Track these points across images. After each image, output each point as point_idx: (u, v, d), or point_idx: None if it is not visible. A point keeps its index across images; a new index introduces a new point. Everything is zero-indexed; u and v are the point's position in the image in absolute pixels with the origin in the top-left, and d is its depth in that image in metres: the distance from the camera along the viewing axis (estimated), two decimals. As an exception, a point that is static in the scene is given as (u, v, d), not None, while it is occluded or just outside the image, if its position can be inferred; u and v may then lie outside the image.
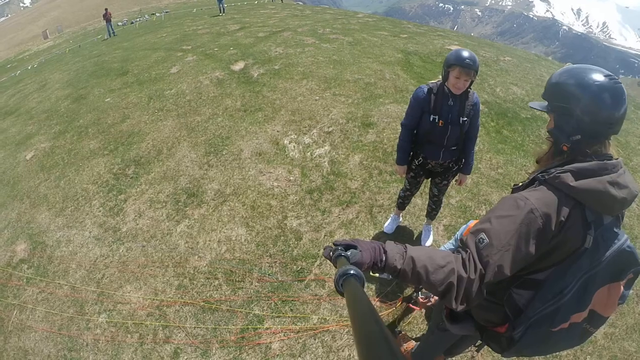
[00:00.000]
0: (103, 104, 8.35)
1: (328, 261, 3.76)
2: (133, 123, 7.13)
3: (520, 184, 1.57)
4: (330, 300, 3.48)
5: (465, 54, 2.66)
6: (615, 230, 1.38)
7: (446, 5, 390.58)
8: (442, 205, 3.86)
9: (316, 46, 10.36)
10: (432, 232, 4.07)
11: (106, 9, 22.70)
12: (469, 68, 2.66)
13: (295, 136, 5.94)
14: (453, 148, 3.10)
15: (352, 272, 0.89)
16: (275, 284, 3.69)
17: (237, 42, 11.49)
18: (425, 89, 2.95)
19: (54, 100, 9.70)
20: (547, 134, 1.53)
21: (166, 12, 30.08)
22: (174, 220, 4.69)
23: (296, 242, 4.12)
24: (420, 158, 3.22)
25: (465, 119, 2.95)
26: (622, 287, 1.42)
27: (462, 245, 1.39)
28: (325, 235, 4.17)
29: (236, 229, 4.40)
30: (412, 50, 9.99)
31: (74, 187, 5.71)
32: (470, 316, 1.74)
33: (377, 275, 3.06)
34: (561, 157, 1.46)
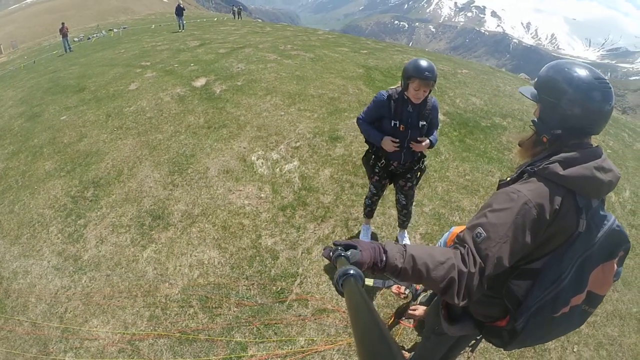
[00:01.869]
0: (59, 122, 7.86)
1: (310, 278, 3.73)
2: (91, 142, 6.75)
3: (508, 178, 1.60)
4: (315, 319, 3.38)
5: (424, 64, 2.70)
6: (602, 212, 1.45)
7: (401, 23, 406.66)
8: (412, 215, 3.90)
9: (278, 62, 10.37)
10: (407, 238, 4.08)
11: (63, 24, 21.78)
12: (427, 80, 2.72)
13: (263, 152, 5.85)
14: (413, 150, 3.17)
15: (352, 272, 0.90)
16: (255, 307, 3.53)
17: (197, 59, 11.29)
18: (385, 96, 3.01)
19: (6, 119, 9.04)
20: (532, 122, 1.56)
21: (124, 28, 29.26)
22: (139, 245, 4.43)
23: (273, 262, 4.00)
24: (383, 160, 3.29)
25: (424, 123, 3.06)
26: (615, 265, 1.49)
27: (459, 241, 1.40)
28: (302, 253, 4.08)
29: (208, 251, 4.22)
30: (373, 65, 10.25)
31: (30, 212, 5.28)
32: (469, 314, 1.75)
33: (371, 284, 3.01)
34: (542, 147, 1.51)
